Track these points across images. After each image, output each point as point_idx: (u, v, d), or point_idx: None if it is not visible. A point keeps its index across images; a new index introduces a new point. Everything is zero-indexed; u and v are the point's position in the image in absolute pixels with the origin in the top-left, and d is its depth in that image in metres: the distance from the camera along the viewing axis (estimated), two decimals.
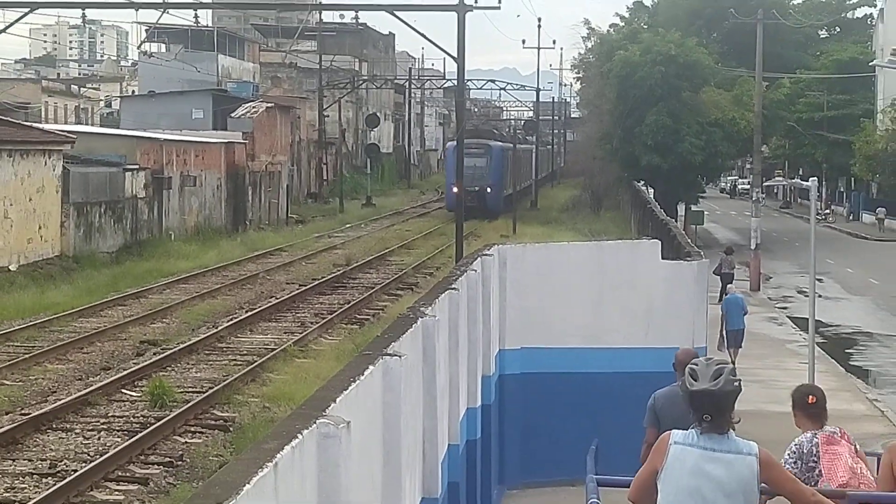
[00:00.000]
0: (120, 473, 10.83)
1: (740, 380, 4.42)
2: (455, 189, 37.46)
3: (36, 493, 9.97)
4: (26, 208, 25.53)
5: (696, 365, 4.44)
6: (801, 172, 56.89)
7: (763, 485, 4.41)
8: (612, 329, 11.46)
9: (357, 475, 4.84)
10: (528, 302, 11.58)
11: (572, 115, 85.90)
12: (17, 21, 26.89)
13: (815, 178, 16.55)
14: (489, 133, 53.34)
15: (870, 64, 50.31)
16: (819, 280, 23.75)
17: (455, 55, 24.79)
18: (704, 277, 12.27)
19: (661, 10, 53.65)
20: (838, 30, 60.38)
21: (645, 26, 48.34)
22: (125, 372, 15.23)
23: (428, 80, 73.40)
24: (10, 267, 24.25)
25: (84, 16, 32.26)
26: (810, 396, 6.02)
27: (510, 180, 49.67)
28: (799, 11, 52.77)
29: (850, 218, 59.00)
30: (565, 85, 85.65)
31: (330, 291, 24.53)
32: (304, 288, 24.31)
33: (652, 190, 42.38)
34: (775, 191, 63.58)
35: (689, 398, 4.42)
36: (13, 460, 11.26)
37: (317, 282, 25.49)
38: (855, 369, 20.44)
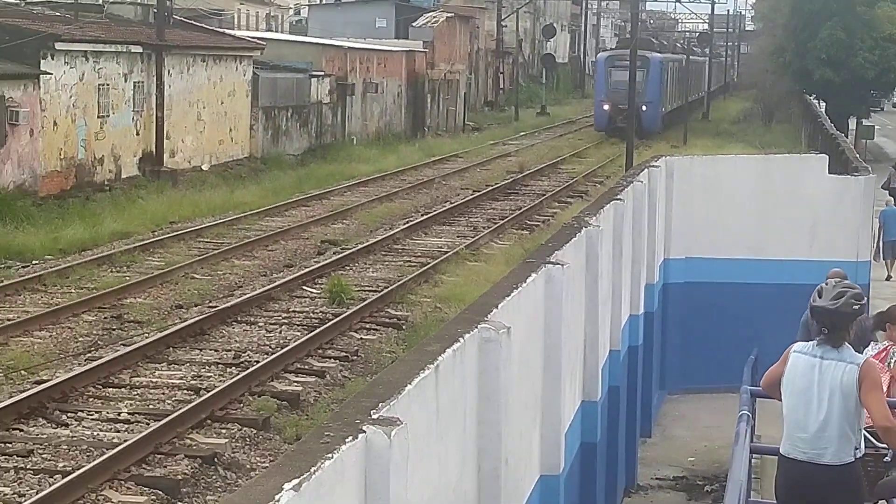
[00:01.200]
0: (298, 366, 11.09)
1: (863, 303, 4.91)
2: (606, 106, 36.27)
3: (220, 381, 10.35)
4: (218, 111, 26.27)
5: (826, 284, 5.03)
6: None
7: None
8: (777, 241, 11.50)
9: (517, 377, 5.07)
10: (694, 213, 11.55)
11: (747, 29, 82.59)
12: None
13: None
14: (648, 43, 46.41)
15: None
16: None
17: None
18: (871, 192, 12.06)
19: None
20: None
21: None
22: (306, 270, 15.59)
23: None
24: (202, 167, 25.12)
25: None
26: None
27: (672, 95, 46.56)
28: None
29: None
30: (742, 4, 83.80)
31: (502, 197, 24.81)
32: (477, 193, 24.70)
33: (824, 104, 41.96)
34: None
35: (811, 312, 5.08)
36: (200, 350, 11.63)
37: (490, 188, 25.80)
38: None
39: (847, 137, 29.98)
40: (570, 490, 6.87)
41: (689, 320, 11.52)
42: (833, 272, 7.77)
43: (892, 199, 21.68)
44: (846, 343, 5.02)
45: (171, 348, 11.52)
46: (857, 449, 5.00)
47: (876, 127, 42.48)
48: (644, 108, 38.12)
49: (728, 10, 73.27)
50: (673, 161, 11.52)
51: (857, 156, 16.72)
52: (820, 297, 4.94)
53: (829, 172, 11.74)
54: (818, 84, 40.33)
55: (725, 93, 73.46)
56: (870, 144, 39.09)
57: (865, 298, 5.76)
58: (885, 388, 6.32)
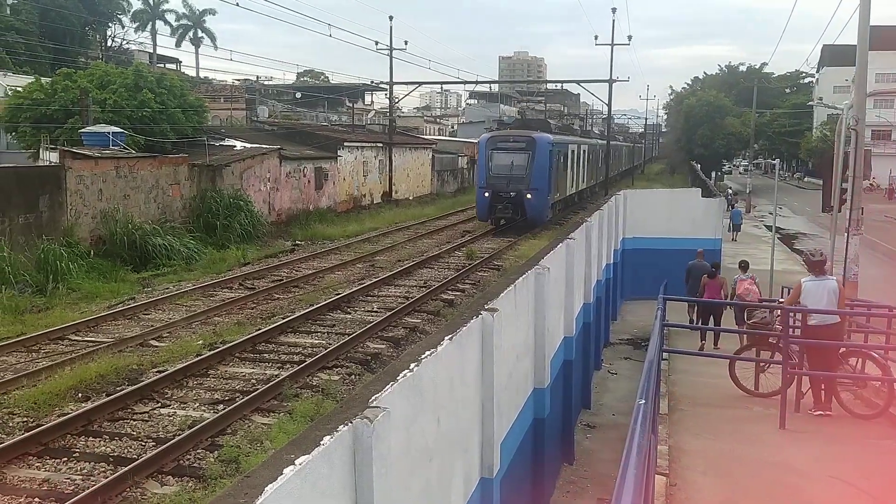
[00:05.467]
0: (453, 287, 19.77)
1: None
2: (486, 194, 29.83)
3: (419, 294, 18.35)
4: (417, 172, 47.47)
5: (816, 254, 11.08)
6: (773, 157, 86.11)
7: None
8: (676, 228, 19.90)
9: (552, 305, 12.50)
10: (636, 215, 20.02)
11: (662, 130, 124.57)
12: (413, 90, 51.48)
13: (778, 160, 25.81)
14: (543, 124, 36.75)
15: (808, 104, 71.54)
16: (780, 207, 35.43)
17: (606, 101, 46.73)
18: (722, 205, 20.89)
19: (707, 81, 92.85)
20: (795, 88, 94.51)
21: (699, 87, 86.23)
22: (456, 244, 27.84)
23: (595, 115, 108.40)
24: (409, 197, 45.04)
25: (442, 87, 55.71)
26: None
27: (568, 180, 36.54)
28: (776, 79, 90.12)
29: (799, 179, 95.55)
30: (660, 116, 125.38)
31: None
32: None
33: (699, 165, 62.80)
34: (761, 166, 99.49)
35: (808, 264, 10.88)
36: (410, 280, 20.47)
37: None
38: (796, 251, 31.53)
39: (711, 181, 52.25)
40: (577, 347, 10.92)
41: (634, 266, 19.84)
42: (699, 251, 16.27)
43: (731, 206, 38.24)
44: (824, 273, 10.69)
45: (396, 279, 20.36)
46: None
47: (725, 176, 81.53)
48: (529, 195, 30.09)
49: (655, 122, 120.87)
50: (627, 191, 20.23)
51: (715, 189, 28.52)
52: (814, 258, 10.55)
53: (702, 196, 20.43)
54: (696, 156, 68.96)
55: (651, 161, 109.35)
56: (721, 185, 59.90)
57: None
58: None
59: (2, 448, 9.09)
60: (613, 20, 45.64)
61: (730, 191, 48.46)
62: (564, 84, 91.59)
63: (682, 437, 9.87)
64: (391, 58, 45.03)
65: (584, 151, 40.79)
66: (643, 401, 5.40)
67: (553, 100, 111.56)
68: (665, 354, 12.24)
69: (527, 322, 7.69)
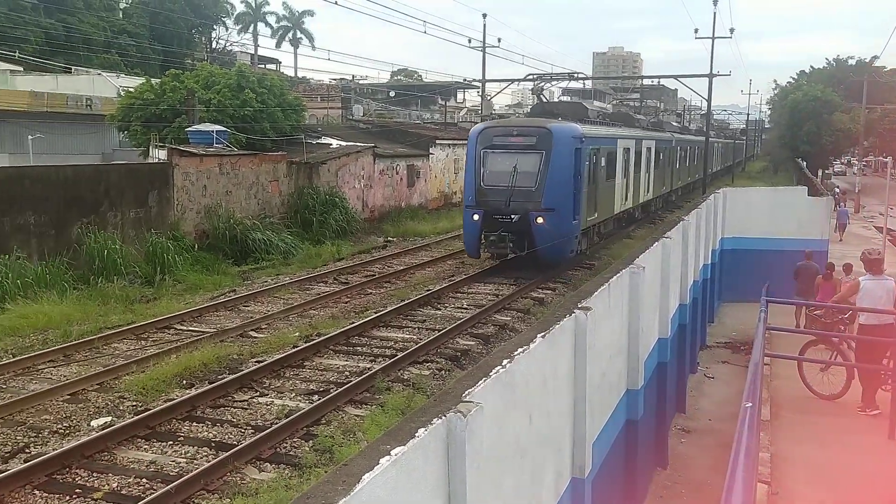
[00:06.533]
0: (539, 287, 19.33)
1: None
2: (476, 216, 19.50)
3: (508, 291, 18.52)
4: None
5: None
6: (884, 155, 79.83)
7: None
8: (779, 229, 19.03)
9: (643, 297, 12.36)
10: (735, 214, 19.36)
11: (765, 126, 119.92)
12: (505, 87, 50.07)
13: (891, 158, 22.93)
14: (576, 109, 25.19)
15: None
16: (892, 207, 33.47)
17: (706, 97, 45.20)
18: (829, 205, 19.79)
19: (814, 75, 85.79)
20: None
21: (804, 82, 79.69)
22: None
23: (694, 111, 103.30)
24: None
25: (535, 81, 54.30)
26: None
27: (610, 194, 23.79)
28: (888, 73, 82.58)
29: None
30: (762, 111, 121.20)
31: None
32: None
33: (805, 163, 63.17)
34: (871, 164, 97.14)
35: (866, 263, 10.78)
36: (486, 284, 19.79)
37: None
38: None
39: (817, 179, 49.45)
40: (672, 349, 11.21)
41: (733, 266, 19.22)
42: (807, 252, 15.56)
43: (838, 205, 34.89)
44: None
45: (486, 277, 20.51)
46: None
47: (832, 174, 74.96)
48: (539, 219, 19.21)
49: (757, 117, 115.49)
50: (726, 189, 19.53)
51: (822, 188, 25.85)
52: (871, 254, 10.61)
53: (808, 195, 19.50)
54: (802, 153, 66.13)
55: (752, 159, 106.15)
56: (828, 183, 59.01)
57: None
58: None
59: (114, 430, 9.62)
60: (714, 12, 44.23)
61: (837, 189, 47.06)
62: (661, 80, 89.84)
63: (785, 444, 9.50)
64: (483, 55, 45.12)
65: (648, 150, 28.69)
66: (749, 404, 5.23)
67: (649, 96, 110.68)
68: (767, 360, 11.85)
69: (620, 322, 7.59)
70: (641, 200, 28.72)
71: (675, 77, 46.22)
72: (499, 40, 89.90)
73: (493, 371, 4.05)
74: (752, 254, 18.86)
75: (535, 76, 23.65)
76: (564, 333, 5.38)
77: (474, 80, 52.62)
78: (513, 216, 19.39)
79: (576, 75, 25.72)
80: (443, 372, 12.63)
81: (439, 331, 14.79)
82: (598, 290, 6.34)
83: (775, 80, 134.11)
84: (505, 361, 4.24)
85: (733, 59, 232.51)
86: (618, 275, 7.36)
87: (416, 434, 3.19)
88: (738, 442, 4.43)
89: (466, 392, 3.71)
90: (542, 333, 4.87)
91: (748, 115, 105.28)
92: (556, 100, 39.58)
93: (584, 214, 20.64)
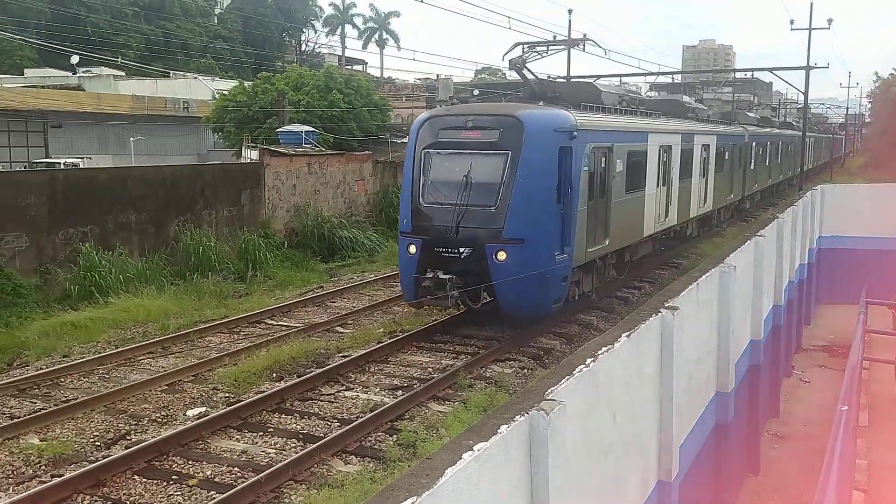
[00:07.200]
0: (625, 286, 18.24)
1: None
2: (413, 248, 13.33)
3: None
4: None
5: None
6: None
7: None
8: (880, 227, 18.24)
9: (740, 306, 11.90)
10: (833, 212, 18.54)
11: (866, 120, 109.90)
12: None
13: None
14: (587, 89, 17.64)
15: None
16: None
17: (802, 90, 40.19)
18: None
19: None
20: None
21: None
22: None
23: (790, 105, 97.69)
24: None
25: (620, 80, 50.17)
26: None
27: (622, 216, 16.05)
28: None
29: None
30: (863, 105, 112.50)
31: None
32: None
33: None
34: None
35: None
36: None
37: None
38: None
39: None
40: (765, 351, 11.21)
41: (832, 267, 18.43)
42: None
43: None
44: None
45: None
46: None
47: None
48: (500, 254, 12.72)
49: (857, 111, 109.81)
50: (824, 186, 18.71)
51: None
52: None
53: None
54: None
55: (851, 154, 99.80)
56: None
57: None
58: None
59: (208, 420, 10.02)
60: (812, 2, 42.50)
61: None
62: (754, 73, 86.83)
63: (882, 451, 9.06)
64: (569, 51, 44.67)
65: (705, 148, 22.07)
66: (845, 406, 5.02)
67: (742, 89, 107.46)
68: (866, 364, 11.32)
69: (709, 322, 7.41)
70: (695, 214, 21.75)
71: (770, 70, 44.57)
72: (584, 35, 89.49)
73: (577, 370, 4.03)
74: (851, 253, 18.06)
75: (522, 43, 14.93)
76: (650, 333, 5.29)
77: (558, 78, 52.22)
78: (461, 249, 12.93)
79: (585, 37, 18.60)
80: (525, 370, 12.58)
81: (523, 329, 14.73)
82: (686, 290, 6.22)
83: (876, 73, 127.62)
84: (588, 360, 4.21)
85: (832, 50, 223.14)
86: (707, 274, 7.19)
87: (499, 431, 3.20)
88: (832, 446, 4.26)
89: (549, 390, 3.70)
90: (627, 333, 4.81)
91: (847, 108, 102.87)
92: (645, 96, 32.68)
93: (583, 243, 14.02)
